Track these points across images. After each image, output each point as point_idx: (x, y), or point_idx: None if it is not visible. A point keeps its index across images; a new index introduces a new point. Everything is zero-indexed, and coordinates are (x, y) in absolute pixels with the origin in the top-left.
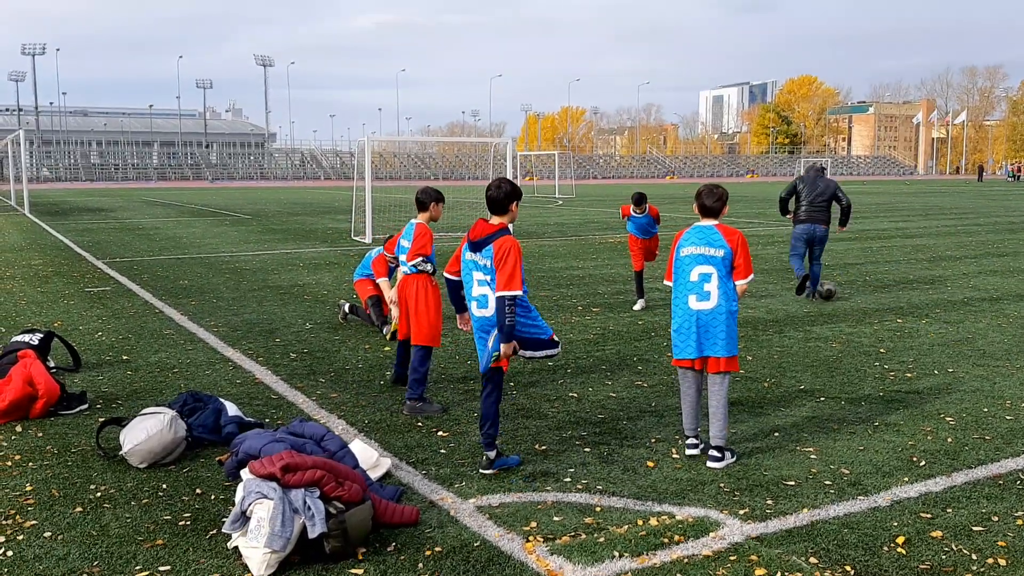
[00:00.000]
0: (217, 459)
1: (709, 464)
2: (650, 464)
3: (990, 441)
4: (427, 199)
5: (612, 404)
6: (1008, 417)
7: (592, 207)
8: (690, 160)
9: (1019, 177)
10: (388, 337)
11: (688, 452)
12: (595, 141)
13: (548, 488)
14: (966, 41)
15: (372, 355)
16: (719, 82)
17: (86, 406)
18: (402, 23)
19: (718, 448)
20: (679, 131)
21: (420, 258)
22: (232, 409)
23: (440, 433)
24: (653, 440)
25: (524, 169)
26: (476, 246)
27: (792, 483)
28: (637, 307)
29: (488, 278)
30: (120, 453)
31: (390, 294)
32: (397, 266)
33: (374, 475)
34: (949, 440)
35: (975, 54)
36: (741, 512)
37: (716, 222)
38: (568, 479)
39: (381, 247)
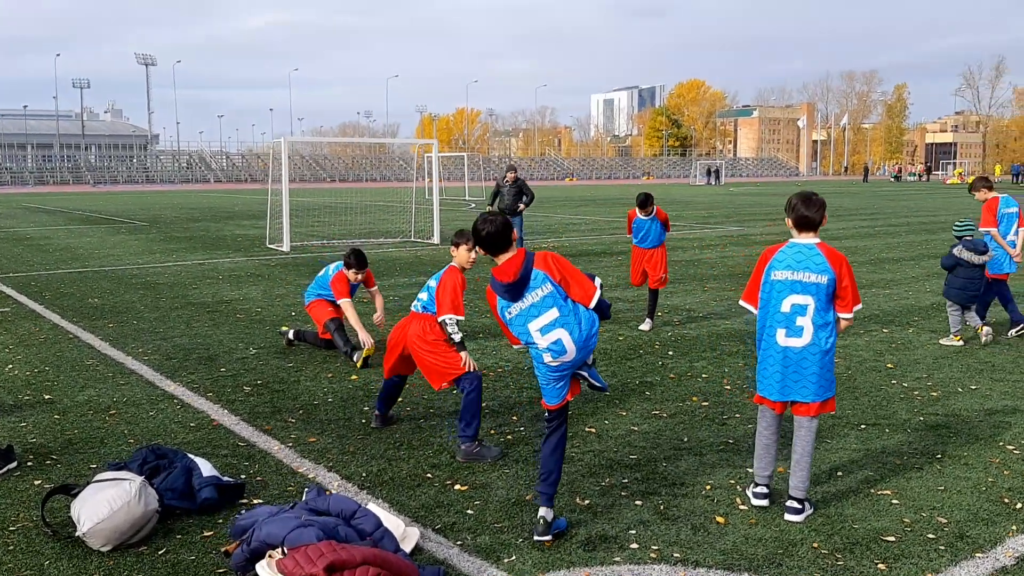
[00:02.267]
0: (223, 550)
1: (788, 517)
2: (720, 520)
3: None
4: (460, 239)
5: (639, 440)
6: None
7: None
8: (587, 162)
9: (900, 178)
10: (359, 364)
11: (756, 503)
12: (490, 143)
13: (617, 559)
14: (845, 47)
15: (340, 386)
16: (610, 85)
17: (15, 464)
18: (295, 23)
19: (799, 500)
20: (573, 134)
21: (452, 318)
22: (206, 468)
23: (457, 487)
24: (708, 488)
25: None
26: (519, 286)
27: (892, 539)
28: (643, 327)
29: (557, 307)
30: (77, 534)
31: (355, 317)
32: (362, 286)
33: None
34: None
35: (853, 60)
36: None
37: (817, 239)
38: (635, 545)
39: (340, 263)
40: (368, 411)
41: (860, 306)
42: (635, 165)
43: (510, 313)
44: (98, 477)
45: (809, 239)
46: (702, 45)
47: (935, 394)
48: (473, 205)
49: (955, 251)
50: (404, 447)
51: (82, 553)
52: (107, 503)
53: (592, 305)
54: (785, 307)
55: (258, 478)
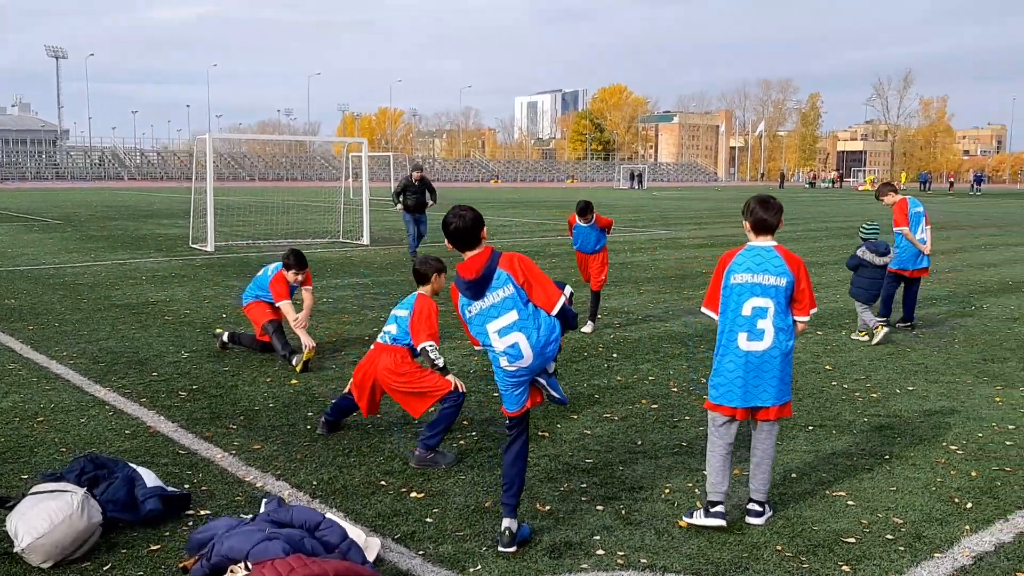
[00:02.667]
0: (180, 565)
1: (749, 520)
2: (683, 524)
3: (1013, 473)
4: (429, 270)
5: (593, 444)
6: (1008, 442)
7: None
8: (511, 164)
9: (814, 184)
10: (299, 368)
11: (714, 523)
12: (414, 143)
13: (584, 566)
14: (762, 56)
15: (280, 391)
16: (534, 88)
17: None
18: (213, 16)
19: (759, 503)
20: (497, 136)
21: (432, 345)
22: (149, 478)
23: (414, 494)
24: (667, 491)
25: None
26: (480, 285)
27: (852, 541)
28: (585, 329)
29: (517, 310)
30: (15, 550)
31: (296, 317)
32: (300, 287)
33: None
34: (974, 474)
35: (770, 69)
36: None
37: (775, 243)
38: (601, 551)
39: (279, 264)
40: (312, 416)
41: (816, 309)
42: (559, 168)
43: (470, 312)
44: (35, 489)
45: (767, 242)
46: (624, 51)
47: (875, 395)
48: (399, 206)
49: (859, 252)
50: (354, 454)
51: (21, 571)
52: (47, 516)
53: (554, 312)
54: (746, 310)
55: (203, 488)
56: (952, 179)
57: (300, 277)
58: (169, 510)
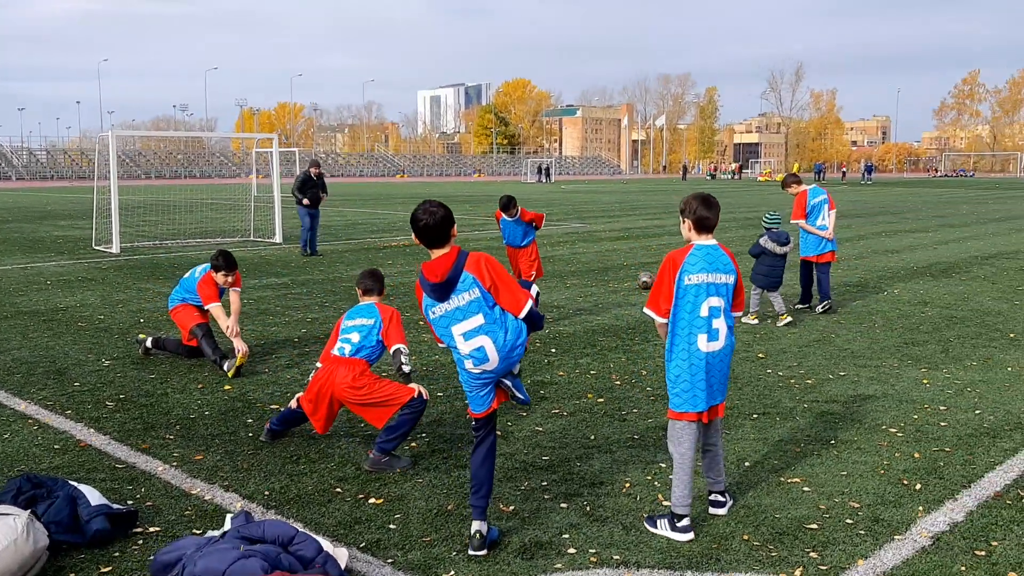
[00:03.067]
0: None
1: (713, 511)
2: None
3: (952, 453)
4: (379, 286)
5: (546, 440)
6: (942, 423)
7: (345, 207)
8: (417, 159)
9: (715, 176)
10: (231, 374)
11: (682, 537)
12: (315, 138)
13: (559, 566)
14: (661, 51)
15: (214, 398)
16: (437, 82)
17: None
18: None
19: (721, 493)
20: (401, 130)
21: (404, 348)
22: (93, 496)
23: (372, 500)
24: (627, 486)
25: (257, 167)
26: (446, 288)
27: (815, 527)
28: None
29: (483, 314)
30: None
31: (228, 322)
32: (228, 289)
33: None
34: (917, 455)
35: (669, 63)
36: (798, 573)
37: (715, 241)
38: (572, 549)
39: (207, 265)
40: (253, 423)
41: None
42: (465, 162)
43: (434, 313)
44: None
45: (710, 240)
46: (527, 45)
47: (810, 381)
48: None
49: (761, 241)
50: (303, 461)
51: None
52: None
53: (522, 315)
54: (703, 311)
55: (148, 503)
56: (844, 169)
57: (230, 279)
58: (117, 529)
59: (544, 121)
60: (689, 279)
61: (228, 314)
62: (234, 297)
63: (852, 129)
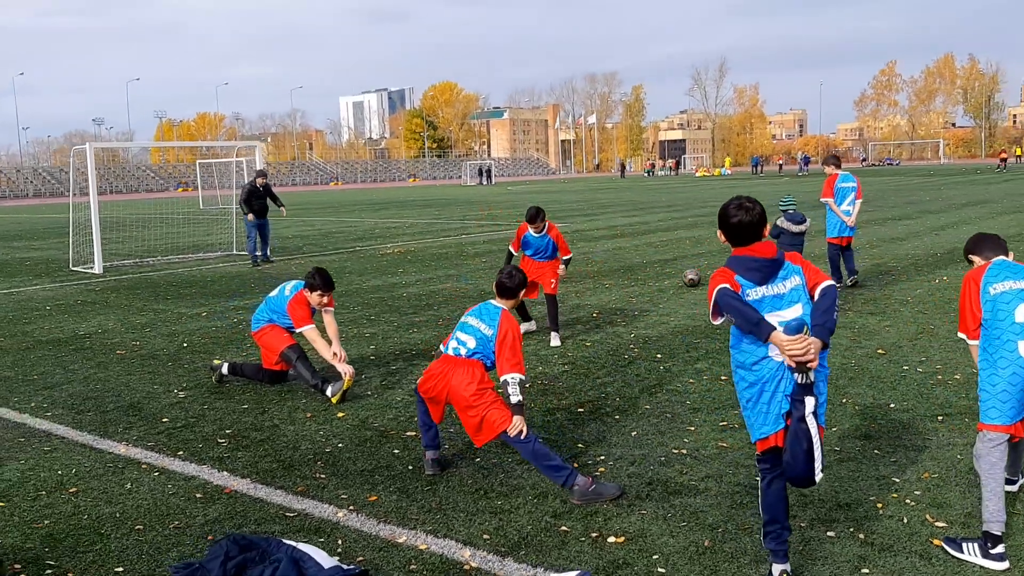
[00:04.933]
0: None
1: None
2: (937, 543)
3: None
4: (517, 285)
5: (746, 459)
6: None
7: (305, 216)
8: (349, 166)
9: (652, 172)
10: (335, 400)
11: (997, 566)
12: (238, 149)
13: None
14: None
15: (334, 427)
16: (359, 88)
17: None
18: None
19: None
20: (327, 137)
21: (517, 377)
22: (321, 556)
23: (612, 539)
24: (880, 506)
25: (181, 180)
26: (774, 267)
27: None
28: (553, 343)
29: (802, 304)
30: None
31: (332, 347)
32: (320, 310)
33: None
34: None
35: (595, 63)
36: None
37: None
38: None
39: (297, 283)
40: (402, 454)
41: None
42: (399, 167)
43: (748, 296)
44: None
45: (1007, 257)
46: (450, 48)
47: (958, 376)
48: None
49: (779, 222)
50: (494, 495)
51: None
52: None
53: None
54: (1019, 316)
55: (359, 558)
56: (781, 162)
57: (325, 299)
58: None
59: (473, 123)
60: (995, 288)
61: (324, 337)
62: (330, 319)
63: (771, 123)
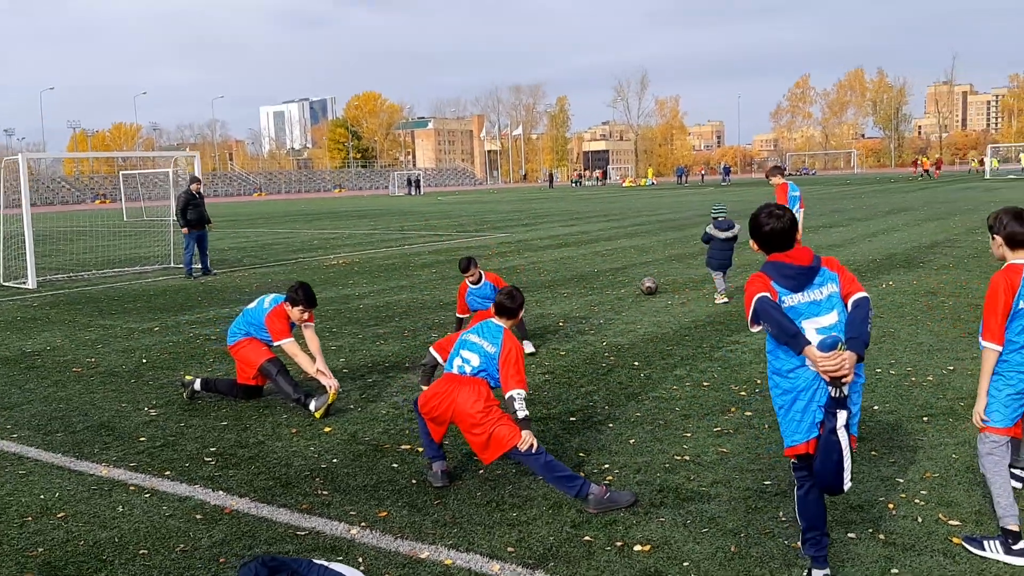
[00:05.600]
0: None
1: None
2: (956, 541)
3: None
4: (518, 305)
5: (765, 465)
6: None
7: (235, 228)
8: (272, 177)
9: (579, 183)
10: (319, 414)
11: (1020, 561)
12: (156, 161)
13: None
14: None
15: (324, 443)
16: (280, 98)
17: None
18: None
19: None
20: (248, 147)
21: (521, 393)
22: (353, 575)
23: (638, 547)
24: (891, 506)
25: (99, 192)
26: (810, 273)
27: None
28: (528, 349)
29: (837, 311)
30: None
31: (314, 362)
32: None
33: None
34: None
35: (520, 74)
36: None
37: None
38: None
39: (277, 296)
40: (401, 468)
41: None
42: (323, 178)
43: (783, 304)
44: None
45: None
46: (373, 58)
47: (930, 378)
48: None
49: (708, 229)
50: (507, 507)
51: None
52: None
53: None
54: None
55: None
56: (702, 172)
57: (307, 315)
58: None
59: (397, 134)
60: None
61: (304, 352)
62: (311, 334)
63: (690, 134)
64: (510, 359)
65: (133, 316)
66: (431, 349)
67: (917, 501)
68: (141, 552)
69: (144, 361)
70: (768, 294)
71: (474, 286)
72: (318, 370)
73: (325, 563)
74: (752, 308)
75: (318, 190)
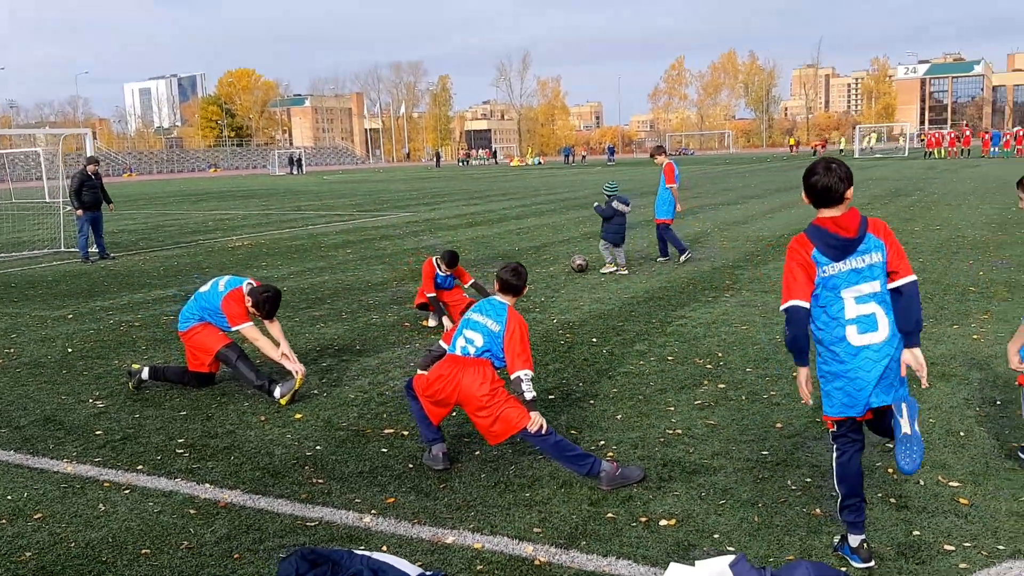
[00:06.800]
0: None
1: None
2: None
3: None
4: (522, 282)
5: (777, 435)
6: None
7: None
8: (143, 156)
9: (467, 162)
10: (284, 401)
11: None
12: (13, 140)
13: (965, 565)
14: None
15: (301, 431)
16: (145, 74)
17: None
18: None
19: None
20: (113, 126)
21: (528, 374)
22: (403, 564)
23: (664, 522)
24: (891, 471)
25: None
26: (853, 244)
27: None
28: None
29: (880, 282)
30: None
31: (279, 348)
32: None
33: None
34: None
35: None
36: None
37: None
38: (950, 547)
39: (233, 280)
40: (391, 452)
41: None
42: (197, 157)
43: (824, 272)
44: None
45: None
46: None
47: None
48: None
49: (613, 204)
50: (519, 487)
51: None
52: None
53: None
54: None
55: (418, 563)
56: (584, 153)
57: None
58: None
59: (274, 111)
60: None
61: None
62: (276, 325)
63: (570, 115)
64: (515, 338)
65: (38, 303)
66: (440, 341)
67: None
68: (143, 552)
69: (70, 350)
70: (803, 304)
71: (442, 274)
72: (283, 354)
73: (368, 553)
74: (786, 311)
75: (192, 170)
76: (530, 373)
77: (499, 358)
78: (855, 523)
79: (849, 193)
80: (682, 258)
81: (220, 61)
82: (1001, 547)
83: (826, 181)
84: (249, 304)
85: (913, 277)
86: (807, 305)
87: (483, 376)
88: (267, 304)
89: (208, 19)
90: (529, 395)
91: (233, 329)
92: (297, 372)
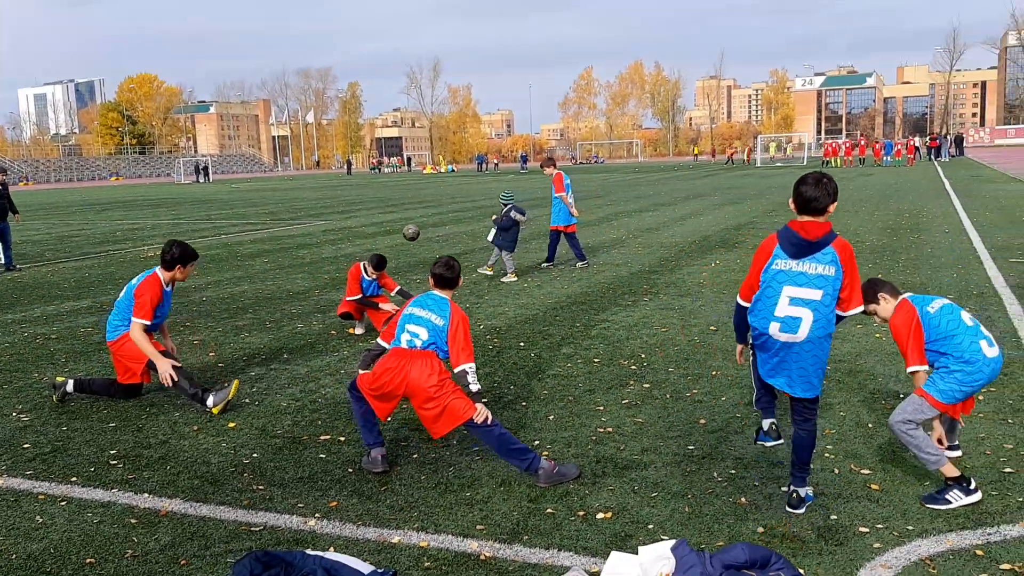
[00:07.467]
0: None
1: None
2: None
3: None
4: (456, 275)
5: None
6: None
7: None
8: (39, 164)
9: (379, 169)
10: (217, 411)
11: (978, 496)
12: None
13: (879, 545)
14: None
15: (236, 439)
16: (40, 79)
17: None
18: None
19: None
20: (6, 132)
21: (472, 367)
22: (355, 563)
23: (600, 515)
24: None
25: None
26: (811, 248)
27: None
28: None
29: (824, 293)
30: None
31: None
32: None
33: None
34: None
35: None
36: None
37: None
38: (865, 530)
39: (145, 272)
40: (329, 458)
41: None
42: (96, 165)
43: (777, 265)
44: None
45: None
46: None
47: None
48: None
49: (513, 214)
50: (459, 487)
51: None
52: None
53: (848, 314)
54: None
55: (366, 562)
56: (496, 161)
57: (180, 275)
58: None
59: (177, 118)
60: None
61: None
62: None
63: (482, 123)
64: (459, 332)
65: None
66: (379, 339)
67: (827, 455)
68: (87, 561)
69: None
70: (744, 304)
71: (368, 277)
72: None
73: (321, 553)
74: (736, 305)
75: (92, 178)
76: (473, 365)
77: (444, 351)
78: (766, 408)
79: (831, 208)
80: (578, 265)
81: (120, 67)
82: (910, 527)
83: (814, 193)
84: (164, 273)
85: (861, 308)
86: (747, 304)
87: (431, 367)
88: (174, 251)
89: (107, 23)
90: (475, 387)
91: (135, 320)
92: (229, 383)
